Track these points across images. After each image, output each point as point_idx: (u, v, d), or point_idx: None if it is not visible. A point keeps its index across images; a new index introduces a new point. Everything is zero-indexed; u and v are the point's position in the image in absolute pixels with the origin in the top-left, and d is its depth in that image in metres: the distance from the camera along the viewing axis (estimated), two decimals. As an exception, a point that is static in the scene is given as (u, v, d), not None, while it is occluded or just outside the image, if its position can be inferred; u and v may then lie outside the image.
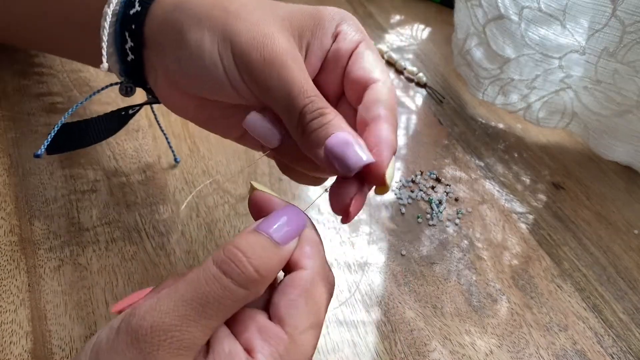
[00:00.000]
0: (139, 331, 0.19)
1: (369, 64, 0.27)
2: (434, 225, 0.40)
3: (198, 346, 0.20)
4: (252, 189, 0.26)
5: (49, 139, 0.31)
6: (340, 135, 0.24)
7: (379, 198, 0.42)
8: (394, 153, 0.25)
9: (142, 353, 0.19)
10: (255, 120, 0.27)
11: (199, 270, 0.21)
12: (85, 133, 0.32)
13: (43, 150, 0.31)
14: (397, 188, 0.42)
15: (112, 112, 0.33)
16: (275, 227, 0.22)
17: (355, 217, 0.39)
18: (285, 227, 0.23)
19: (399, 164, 0.45)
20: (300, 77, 0.25)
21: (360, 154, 0.24)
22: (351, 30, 0.28)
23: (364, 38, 0.28)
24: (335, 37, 0.28)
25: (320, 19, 0.28)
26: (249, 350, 0.21)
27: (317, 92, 0.26)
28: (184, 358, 0.20)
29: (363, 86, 0.27)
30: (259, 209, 0.26)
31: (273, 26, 0.27)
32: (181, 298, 0.20)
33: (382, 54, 0.56)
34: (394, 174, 0.27)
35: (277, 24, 0.27)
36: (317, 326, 0.23)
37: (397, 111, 0.27)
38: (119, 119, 0.34)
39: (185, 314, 0.20)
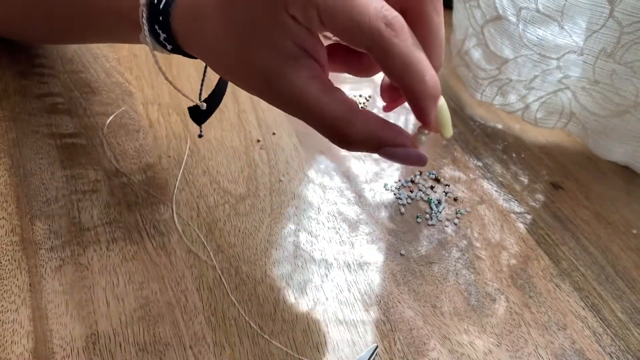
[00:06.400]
0: None
1: None
2: (433, 225, 0.40)
3: None
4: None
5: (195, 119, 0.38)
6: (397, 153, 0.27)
7: (378, 198, 0.42)
8: (437, 97, 0.26)
9: None
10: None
11: None
12: (213, 102, 0.38)
13: (200, 131, 0.40)
14: (396, 188, 0.43)
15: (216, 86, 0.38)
16: None
17: (355, 217, 0.40)
18: None
19: (398, 164, 0.45)
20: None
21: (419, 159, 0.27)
22: None
23: None
24: None
25: None
26: None
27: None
28: None
29: None
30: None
31: None
32: None
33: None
34: (448, 117, 0.28)
35: None
36: None
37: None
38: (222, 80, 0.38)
39: None
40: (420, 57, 0.25)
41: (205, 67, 0.37)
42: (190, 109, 0.37)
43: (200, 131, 0.40)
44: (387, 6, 0.25)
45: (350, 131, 0.26)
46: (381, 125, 0.27)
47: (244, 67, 0.28)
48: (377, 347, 0.32)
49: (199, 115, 0.38)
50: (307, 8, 0.25)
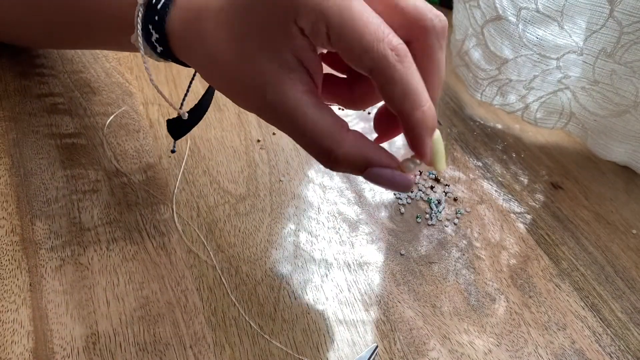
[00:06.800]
0: None
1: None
2: (432, 225, 0.41)
3: None
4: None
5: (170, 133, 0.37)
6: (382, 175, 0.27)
7: (378, 198, 0.42)
8: (433, 128, 0.26)
9: None
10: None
11: None
12: (195, 115, 0.37)
13: (174, 146, 0.39)
14: (396, 188, 0.43)
15: (203, 95, 0.37)
16: None
17: (355, 217, 0.40)
18: None
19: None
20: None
21: (405, 182, 0.27)
22: None
23: None
24: None
25: None
26: None
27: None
28: None
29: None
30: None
31: None
32: None
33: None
34: (442, 150, 0.27)
35: None
36: None
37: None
38: (208, 94, 0.37)
39: None
40: (421, 86, 0.25)
41: (191, 80, 0.36)
42: (169, 121, 0.36)
43: (174, 147, 0.39)
44: (393, 33, 0.25)
45: (338, 149, 0.26)
46: (369, 146, 0.27)
47: (241, 75, 0.28)
48: (377, 346, 0.32)
49: (178, 128, 0.37)
50: (317, 22, 0.25)
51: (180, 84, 0.48)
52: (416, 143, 0.26)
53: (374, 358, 0.32)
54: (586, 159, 0.49)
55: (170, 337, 0.31)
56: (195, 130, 0.44)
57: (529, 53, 0.46)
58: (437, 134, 0.27)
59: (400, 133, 0.29)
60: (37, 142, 0.41)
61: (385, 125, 0.30)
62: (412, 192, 0.43)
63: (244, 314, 0.33)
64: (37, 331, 0.31)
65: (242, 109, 0.47)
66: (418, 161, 0.27)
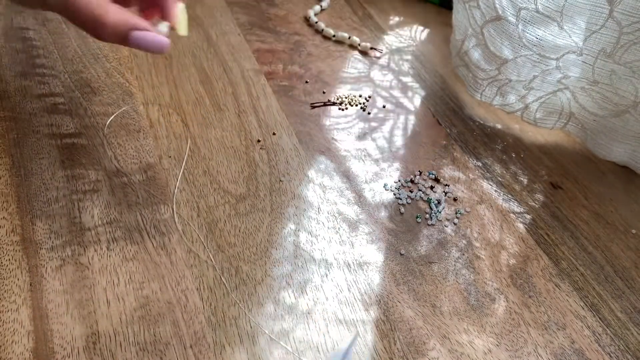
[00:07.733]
0: None
1: None
2: (432, 225, 0.41)
3: None
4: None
5: None
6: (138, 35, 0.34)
7: (378, 198, 0.42)
8: None
9: None
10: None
11: None
12: None
13: None
14: (396, 188, 0.43)
15: None
16: None
17: (355, 217, 0.40)
18: None
19: (397, 165, 0.45)
20: None
21: (162, 42, 0.35)
22: None
23: None
24: None
25: None
26: None
27: None
28: None
29: None
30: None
31: None
32: None
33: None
34: (185, 18, 0.37)
35: None
36: None
37: None
38: None
39: None
40: None
41: None
42: None
43: None
44: None
45: (106, 17, 0.32)
46: (130, 15, 0.34)
47: None
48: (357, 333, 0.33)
49: None
50: None
51: (180, 84, 0.48)
52: (166, 8, 0.36)
53: (353, 346, 0.32)
54: (586, 159, 0.49)
55: (170, 337, 0.31)
56: (195, 130, 0.44)
57: (529, 53, 0.46)
58: (182, 5, 0.36)
59: (157, 10, 0.37)
60: (37, 142, 0.41)
61: (146, 3, 0.38)
62: (411, 192, 0.43)
63: (244, 313, 0.33)
64: (37, 331, 0.31)
65: (242, 109, 0.47)
66: (167, 23, 0.36)
